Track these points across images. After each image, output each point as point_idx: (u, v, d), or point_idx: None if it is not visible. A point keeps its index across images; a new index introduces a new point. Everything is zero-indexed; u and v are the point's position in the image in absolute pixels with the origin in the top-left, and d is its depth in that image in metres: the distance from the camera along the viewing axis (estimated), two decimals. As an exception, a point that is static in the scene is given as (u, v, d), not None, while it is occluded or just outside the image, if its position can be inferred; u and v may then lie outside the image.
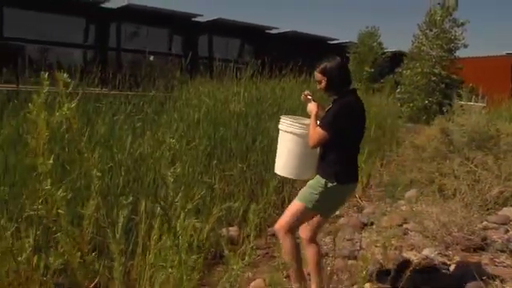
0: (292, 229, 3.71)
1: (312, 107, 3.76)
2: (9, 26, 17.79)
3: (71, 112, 2.37)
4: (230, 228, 5.39)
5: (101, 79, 8.44)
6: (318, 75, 3.68)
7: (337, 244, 4.81)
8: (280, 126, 3.95)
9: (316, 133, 3.58)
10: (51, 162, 2.42)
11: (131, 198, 2.95)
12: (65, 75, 2.51)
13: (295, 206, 3.72)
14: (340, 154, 3.61)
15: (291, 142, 3.87)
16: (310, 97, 3.85)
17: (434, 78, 18.14)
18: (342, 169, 3.60)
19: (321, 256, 3.92)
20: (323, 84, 3.66)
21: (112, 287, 2.98)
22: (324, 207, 3.71)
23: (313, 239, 3.84)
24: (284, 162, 3.97)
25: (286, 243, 3.70)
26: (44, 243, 3.38)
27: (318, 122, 3.62)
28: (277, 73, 10.62)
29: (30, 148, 2.43)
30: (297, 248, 3.73)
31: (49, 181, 2.39)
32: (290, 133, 3.85)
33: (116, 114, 6.83)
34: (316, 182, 3.64)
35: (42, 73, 2.37)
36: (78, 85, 6.98)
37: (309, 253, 3.84)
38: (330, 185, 3.56)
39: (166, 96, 8.89)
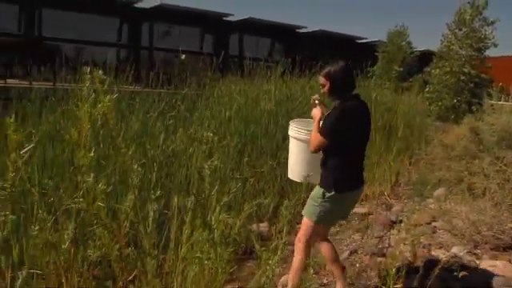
0: (307, 244, 3.71)
1: (316, 112, 3.74)
2: (47, 26, 18.17)
3: (109, 106, 2.46)
4: (261, 224, 5.47)
5: (134, 77, 8.59)
6: (321, 79, 3.67)
7: (366, 241, 4.85)
8: (289, 132, 4.04)
9: (315, 138, 3.57)
10: (92, 155, 2.51)
11: (159, 193, 3.01)
12: (100, 72, 2.60)
13: (304, 221, 3.73)
14: (341, 160, 3.56)
15: (297, 148, 3.96)
16: (317, 101, 3.82)
17: (463, 77, 17.89)
18: (342, 175, 3.55)
19: (336, 252, 3.93)
20: (326, 88, 3.64)
21: (146, 280, 3.06)
22: (327, 218, 3.69)
23: (323, 239, 3.87)
24: (293, 167, 4.08)
25: (297, 257, 3.70)
26: (80, 236, 3.49)
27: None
28: (307, 71, 10.63)
29: (72, 141, 2.52)
30: (303, 267, 3.68)
31: (91, 174, 2.48)
32: (295, 138, 3.94)
33: (149, 112, 6.96)
34: (315, 194, 3.62)
35: (84, 67, 2.46)
36: (113, 82, 7.13)
37: (323, 250, 3.86)
38: (328, 195, 3.53)
39: (198, 94, 9.00)
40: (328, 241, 3.93)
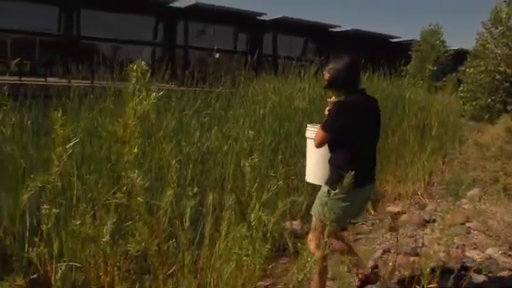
0: (319, 243, 3.49)
1: (327, 112, 3.74)
2: (85, 26, 18.56)
3: (152, 104, 2.52)
4: (294, 222, 5.49)
5: (169, 75, 8.71)
6: (326, 74, 3.66)
7: (399, 240, 4.82)
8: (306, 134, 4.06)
9: (318, 133, 3.55)
10: (136, 151, 2.57)
11: (196, 189, 3.04)
12: (143, 62, 2.63)
13: (313, 220, 3.67)
14: (345, 156, 3.46)
15: (311, 146, 3.94)
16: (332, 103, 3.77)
17: (498, 77, 17.61)
18: (347, 172, 3.26)
19: (346, 244, 3.98)
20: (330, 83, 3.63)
21: (182, 275, 3.10)
22: (334, 218, 3.42)
23: (334, 237, 3.84)
24: (308, 169, 4.07)
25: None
26: (117, 230, 3.55)
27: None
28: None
29: (117, 137, 2.58)
30: (324, 266, 3.59)
31: (136, 170, 2.53)
32: (308, 138, 3.95)
33: (185, 109, 7.04)
34: (321, 192, 3.57)
35: (131, 65, 2.52)
36: (149, 81, 7.22)
37: (336, 247, 3.88)
38: (333, 193, 3.44)
39: (233, 92, 9.06)
40: (337, 237, 3.92)
